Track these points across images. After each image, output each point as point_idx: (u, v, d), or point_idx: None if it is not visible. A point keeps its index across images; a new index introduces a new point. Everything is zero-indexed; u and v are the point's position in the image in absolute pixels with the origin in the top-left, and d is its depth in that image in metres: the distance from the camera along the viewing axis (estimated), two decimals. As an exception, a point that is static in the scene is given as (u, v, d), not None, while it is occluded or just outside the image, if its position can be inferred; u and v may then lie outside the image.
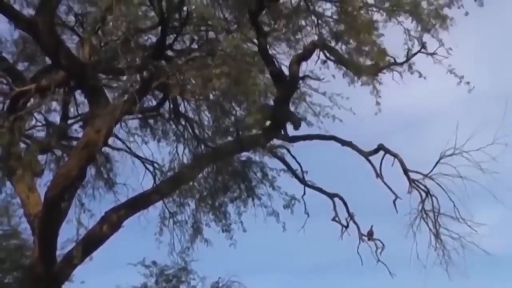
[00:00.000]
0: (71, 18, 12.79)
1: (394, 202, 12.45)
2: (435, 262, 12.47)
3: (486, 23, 13.15)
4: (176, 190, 13.23)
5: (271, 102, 12.06)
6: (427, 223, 12.63)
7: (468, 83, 10.72)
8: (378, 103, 11.42)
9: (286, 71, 11.84)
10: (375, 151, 12.49)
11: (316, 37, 11.76)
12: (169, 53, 11.85)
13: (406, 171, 12.43)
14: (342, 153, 12.78)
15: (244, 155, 13.64)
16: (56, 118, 13.20)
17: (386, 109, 11.80)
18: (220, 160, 13.07)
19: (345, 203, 13.32)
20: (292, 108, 12.53)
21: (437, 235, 12.60)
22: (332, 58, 11.68)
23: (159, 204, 13.55)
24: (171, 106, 13.59)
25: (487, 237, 12.36)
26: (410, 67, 11.27)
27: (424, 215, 12.61)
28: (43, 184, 11.97)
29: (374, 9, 11.10)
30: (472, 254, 12.20)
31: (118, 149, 13.92)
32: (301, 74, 11.97)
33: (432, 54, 10.95)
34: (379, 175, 12.43)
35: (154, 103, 13.53)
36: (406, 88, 11.53)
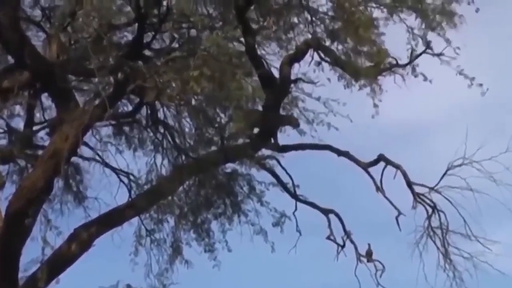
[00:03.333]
0: (37, 13, 12.72)
1: (396, 218, 12.53)
2: (445, 285, 12.55)
3: (499, 22, 13.17)
4: (153, 205, 13.19)
5: (260, 108, 12.03)
6: (434, 242, 12.68)
7: (481, 85, 10.67)
8: (376, 105, 11.37)
9: (276, 73, 11.82)
10: (375, 162, 12.53)
11: (309, 36, 11.73)
12: (147, 52, 11.80)
13: (410, 184, 12.47)
14: (338, 165, 12.83)
15: (229, 166, 13.62)
16: (19, 124, 13.15)
17: (387, 116, 11.97)
18: (202, 172, 13.05)
19: (341, 220, 13.35)
20: (283, 114, 12.52)
21: (446, 255, 12.66)
22: (327, 59, 11.66)
23: (135, 220, 13.53)
24: (149, 111, 13.57)
25: (502, 256, 12.39)
26: (413, 69, 11.27)
27: (431, 233, 12.67)
28: (4, 198, 11.85)
29: (374, 5, 11.07)
30: (486, 275, 12.24)
31: (89, 159, 13.84)
32: (293, 77, 11.94)
33: (438, 55, 10.95)
34: (379, 189, 12.48)
35: (130, 108, 13.51)
36: (409, 92, 11.53)
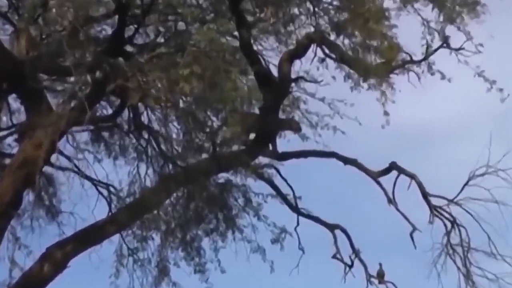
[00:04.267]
0: (3, 2, 12.63)
1: (411, 234, 12.49)
2: (467, 309, 12.50)
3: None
4: (137, 221, 13.17)
5: (256, 111, 12.05)
6: (454, 261, 12.69)
7: (501, 90, 10.72)
8: (386, 113, 11.31)
9: (275, 71, 11.86)
10: (387, 170, 12.53)
11: (312, 29, 11.76)
12: (129, 48, 11.83)
13: (426, 196, 12.46)
14: (345, 174, 12.84)
15: (223, 176, 13.65)
16: (-16, 129, 13.09)
17: (399, 119, 11.84)
18: (192, 182, 13.02)
19: (348, 237, 13.36)
20: (282, 117, 12.57)
21: (467, 276, 12.65)
22: (332, 55, 11.67)
23: (116, 238, 13.53)
24: (131, 115, 13.60)
25: (531, 277, 12.33)
26: (429, 67, 11.31)
27: (451, 251, 12.67)
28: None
29: (385, -6, 11.09)
30: (513, 298, 12.19)
31: (64, 169, 13.84)
32: (293, 75, 11.97)
33: (457, 50, 10.99)
34: (391, 201, 12.47)
35: (110, 111, 13.50)
36: (425, 93, 11.59)
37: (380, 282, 13.16)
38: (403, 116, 12.13)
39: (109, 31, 11.98)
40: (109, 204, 14.08)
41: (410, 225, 12.47)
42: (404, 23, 11.06)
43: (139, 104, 12.64)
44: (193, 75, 10.02)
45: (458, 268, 12.70)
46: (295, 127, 12.48)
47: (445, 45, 11.12)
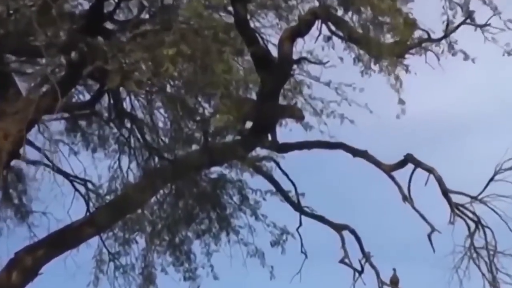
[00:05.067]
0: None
1: (429, 236, 12.38)
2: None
3: None
4: (118, 221, 13.24)
5: (253, 96, 12.02)
6: (478, 266, 12.69)
7: None
8: (401, 102, 11.15)
9: (274, 51, 11.78)
10: (401, 164, 12.44)
11: (316, 3, 11.63)
12: (108, 25, 11.85)
13: (446, 192, 12.37)
14: (354, 168, 12.83)
15: (215, 170, 13.73)
16: None
17: (416, 107, 11.74)
18: (181, 178, 13.10)
19: (358, 239, 13.35)
20: (283, 104, 12.52)
21: (494, 282, 12.65)
22: (339, 33, 11.53)
23: (94, 241, 13.57)
24: (111, 101, 13.56)
25: None
26: (450, 46, 11.18)
27: (474, 255, 12.65)
28: None
29: (400, -39, 11.11)
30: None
31: (35, 163, 13.79)
32: (295, 56, 11.89)
33: (482, 27, 10.92)
34: (407, 198, 12.36)
35: (88, 97, 13.51)
36: (445, 76, 11.46)
37: (393, 290, 13.26)
38: (420, 103, 12.18)
39: (86, 6, 11.98)
40: (87, 203, 14.08)
41: (428, 225, 12.37)
42: (422, -4, 11.07)
43: (121, 88, 12.57)
44: (181, 56, 10.06)
45: (483, 275, 12.72)
46: (298, 115, 12.47)
47: (468, 20, 11.03)
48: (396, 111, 11.17)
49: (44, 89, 10.96)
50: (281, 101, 12.42)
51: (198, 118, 12.66)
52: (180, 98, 12.44)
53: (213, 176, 13.82)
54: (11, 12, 11.73)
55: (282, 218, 13.76)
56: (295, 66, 12.22)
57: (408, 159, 12.35)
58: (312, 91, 12.84)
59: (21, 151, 11.76)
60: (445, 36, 11.17)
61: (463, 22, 11.05)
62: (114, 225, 13.30)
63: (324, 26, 11.51)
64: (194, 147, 12.92)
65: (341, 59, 11.69)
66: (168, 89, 12.38)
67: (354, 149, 12.55)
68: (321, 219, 13.51)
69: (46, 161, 13.83)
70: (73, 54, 10.83)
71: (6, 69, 11.13)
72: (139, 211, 13.38)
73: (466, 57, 11.14)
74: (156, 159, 13.62)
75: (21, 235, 13.65)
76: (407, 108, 11.16)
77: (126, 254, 14.06)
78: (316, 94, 12.79)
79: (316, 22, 11.49)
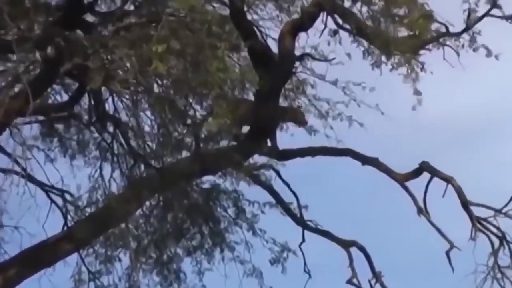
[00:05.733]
0: None
1: (447, 253, 12.31)
2: None
3: None
4: (99, 237, 13.23)
5: (251, 97, 12.10)
6: (503, 287, 12.64)
7: None
8: (418, 92, 11.08)
9: (274, 47, 11.85)
10: (416, 173, 12.36)
11: (321, -7, 11.77)
12: (89, 18, 11.80)
13: (466, 205, 12.30)
14: (363, 177, 12.94)
15: (208, 180, 13.80)
16: None
17: (432, 109, 11.78)
18: (170, 188, 13.13)
19: (367, 256, 13.30)
20: (284, 105, 12.61)
21: (520, 305, 12.75)
22: (346, 26, 11.54)
23: (73, 258, 13.52)
24: (92, 103, 13.56)
25: None
26: (472, 40, 11.14)
27: (499, 275, 12.57)
28: None
29: None
30: None
31: (6, 171, 13.28)
32: (298, 52, 11.93)
33: (509, 19, 10.91)
34: (422, 211, 12.29)
35: (65, 97, 13.55)
36: (465, 74, 11.42)
37: (407, 313, 13.25)
38: (437, 105, 12.16)
39: (64, -4, 12.15)
40: (65, 216, 13.96)
41: (447, 241, 12.33)
42: (439, -16, 11.11)
43: (103, 88, 12.56)
44: (170, 52, 9.98)
45: (509, 296, 12.91)
46: (300, 118, 12.49)
47: (493, 11, 10.99)
48: (411, 113, 11.20)
49: (16, 89, 10.92)
50: (282, 102, 12.46)
51: (189, 121, 12.63)
52: (169, 99, 12.42)
53: (206, 186, 13.90)
54: (-22, 3, 11.85)
55: (283, 233, 13.92)
56: (297, 63, 12.22)
57: (424, 167, 12.27)
58: (317, 91, 12.93)
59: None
60: (467, 28, 11.11)
61: (487, 13, 11.00)
62: (94, 241, 13.28)
63: (330, 18, 11.52)
64: (185, 153, 12.95)
65: (349, 55, 11.68)
66: (156, 89, 12.39)
67: (364, 156, 12.49)
68: (326, 234, 13.49)
69: (18, 169, 13.43)
70: (49, 50, 10.81)
71: (-27, 67, 11.14)
72: (123, 225, 13.40)
73: (489, 53, 11.10)
74: (142, 167, 13.56)
75: (-10, 252, 13.76)
76: (422, 110, 11.22)
77: (108, 273, 14.00)
78: (321, 94, 12.90)
79: (321, 14, 11.50)
